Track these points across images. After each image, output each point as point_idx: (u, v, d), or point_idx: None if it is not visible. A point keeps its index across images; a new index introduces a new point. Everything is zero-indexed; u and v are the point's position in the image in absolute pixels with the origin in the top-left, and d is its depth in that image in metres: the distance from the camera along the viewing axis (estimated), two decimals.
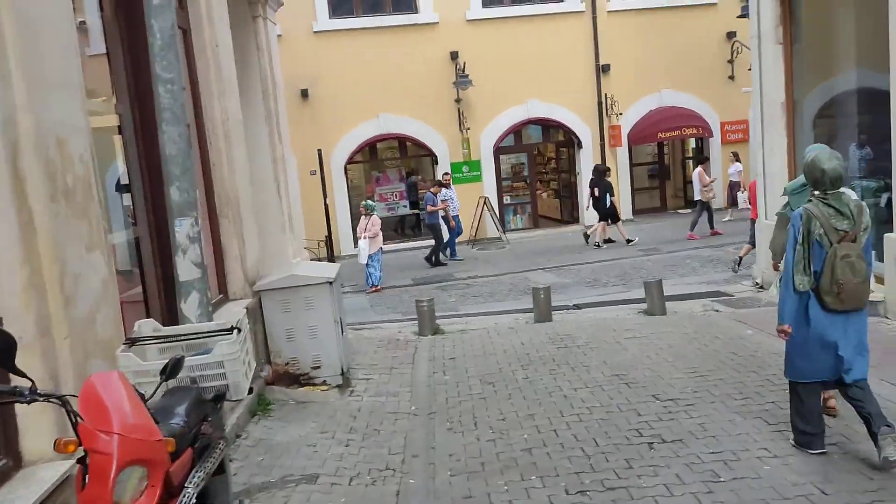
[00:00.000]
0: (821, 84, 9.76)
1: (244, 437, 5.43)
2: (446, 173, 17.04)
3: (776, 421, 5.08)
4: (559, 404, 5.96)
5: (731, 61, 19.19)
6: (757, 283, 10.37)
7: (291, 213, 10.26)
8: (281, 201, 9.58)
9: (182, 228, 4.61)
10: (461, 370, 7.36)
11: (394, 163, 19.05)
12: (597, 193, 16.03)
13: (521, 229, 19.30)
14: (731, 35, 18.90)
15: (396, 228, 19.21)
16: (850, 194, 4.35)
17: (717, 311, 9.31)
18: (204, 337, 3.88)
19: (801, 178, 4.84)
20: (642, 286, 10.12)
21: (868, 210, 4.35)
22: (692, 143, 20.77)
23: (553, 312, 9.56)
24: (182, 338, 3.91)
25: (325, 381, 6.88)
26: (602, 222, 16.10)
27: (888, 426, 4.14)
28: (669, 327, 8.30)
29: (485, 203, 17.58)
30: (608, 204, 15.93)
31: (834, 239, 4.17)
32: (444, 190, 15.69)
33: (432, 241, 15.73)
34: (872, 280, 7.82)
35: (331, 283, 6.90)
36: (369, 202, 13.56)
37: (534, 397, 6.22)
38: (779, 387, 5.60)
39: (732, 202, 17.96)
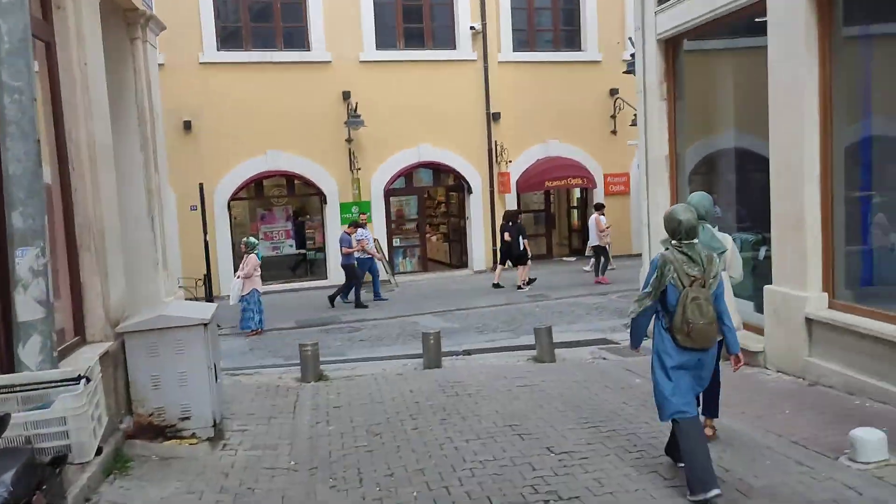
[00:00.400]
0: (700, 140, 10.18)
1: (94, 503, 4.74)
2: (362, 213, 16.72)
3: (671, 475, 4.97)
4: (451, 458, 5.64)
5: (613, 116, 19.99)
6: None
7: (167, 249, 9.51)
8: (155, 236, 8.86)
9: (24, 260, 3.98)
10: (346, 420, 6.90)
11: (281, 201, 18.42)
12: (507, 237, 16.09)
13: (411, 272, 19.06)
14: (613, 91, 19.73)
15: (282, 268, 18.47)
16: (701, 248, 4.68)
17: (604, 359, 9.34)
18: (44, 388, 3.30)
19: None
20: (531, 332, 10.08)
21: (717, 260, 4.76)
22: (577, 192, 21.37)
23: (443, 358, 9.29)
24: (17, 389, 3.31)
25: (194, 433, 6.23)
26: (500, 265, 16.35)
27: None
28: (560, 375, 8.20)
29: (375, 244, 17.23)
30: (521, 246, 15.99)
31: (686, 282, 4.55)
32: (359, 230, 15.23)
33: (320, 282, 15.24)
34: (751, 332, 8.12)
35: (205, 324, 6.31)
36: (251, 239, 12.92)
37: (424, 450, 5.86)
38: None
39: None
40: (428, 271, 19.24)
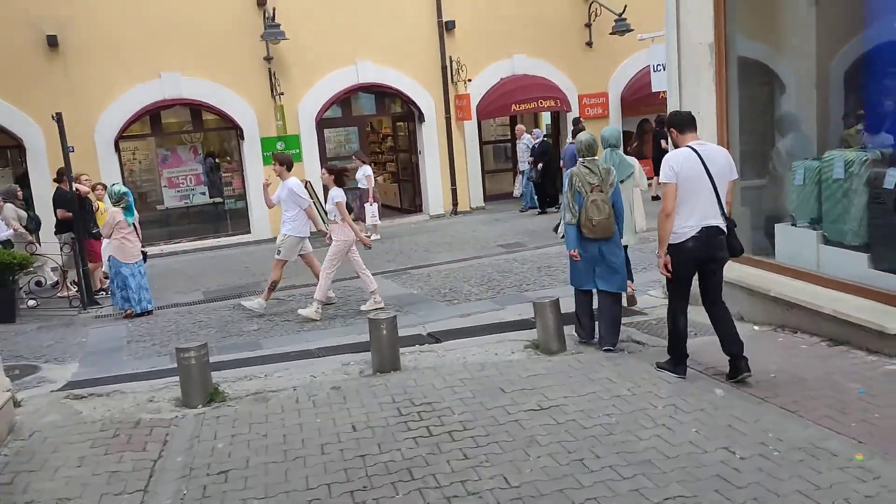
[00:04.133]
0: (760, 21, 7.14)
1: None
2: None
3: None
4: None
5: (588, 25, 16.77)
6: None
7: None
8: None
9: None
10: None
11: (186, 138, 14.77)
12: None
13: (355, 220, 15.73)
14: None
15: (194, 222, 14.96)
16: (601, 163, 6.05)
17: (637, 342, 6.39)
18: None
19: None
20: (518, 299, 7.82)
21: (614, 172, 6.07)
22: (546, 117, 18.23)
23: (402, 350, 6.24)
24: None
25: None
26: None
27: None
28: (586, 381, 5.23)
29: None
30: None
31: (587, 189, 5.89)
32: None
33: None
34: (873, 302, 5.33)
35: None
36: (115, 187, 9.43)
37: None
38: None
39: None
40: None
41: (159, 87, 13.59)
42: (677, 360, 5.29)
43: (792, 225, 6.71)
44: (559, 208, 13.86)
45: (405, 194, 17.05)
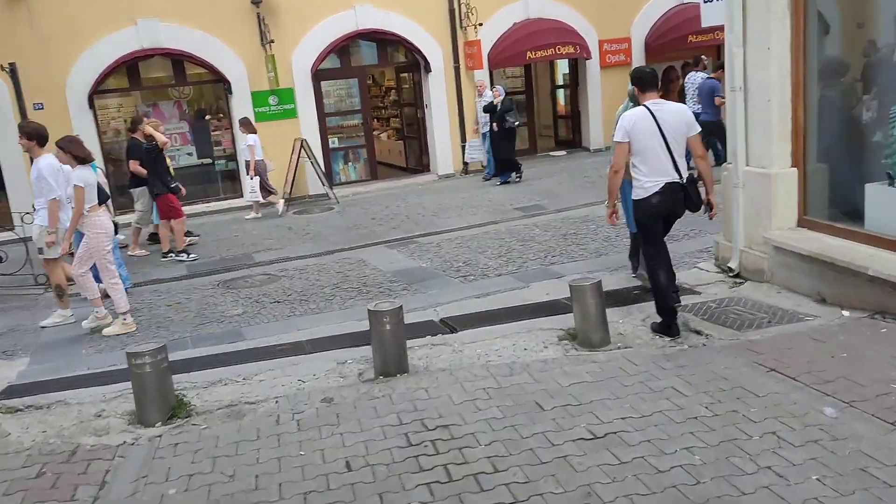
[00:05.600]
0: None
1: None
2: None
3: None
4: None
5: None
6: (729, 268, 6.41)
7: None
8: None
9: None
10: None
11: (171, 92, 13.42)
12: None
13: (354, 182, 14.51)
14: None
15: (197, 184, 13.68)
16: None
17: (698, 332, 5.20)
18: None
19: None
20: (543, 276, 6.91)
21: None
22: (561, 66, 16.77)
23: (409, 343, 5.08)
24: None
25: None
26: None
27: None
28: (651, 396, 4.05)
29: (301, 147, 12.61)
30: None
31: None
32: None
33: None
34: None
35: None
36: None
37: None
38: None
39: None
40: (378, 179, 14.69)
41: (136, 35, 12.22)
42: (667, 318, 5.23)
43: (889, 185, 5.44)
44: (518, 175, 12.72)
45: (411, 152, 15.73)
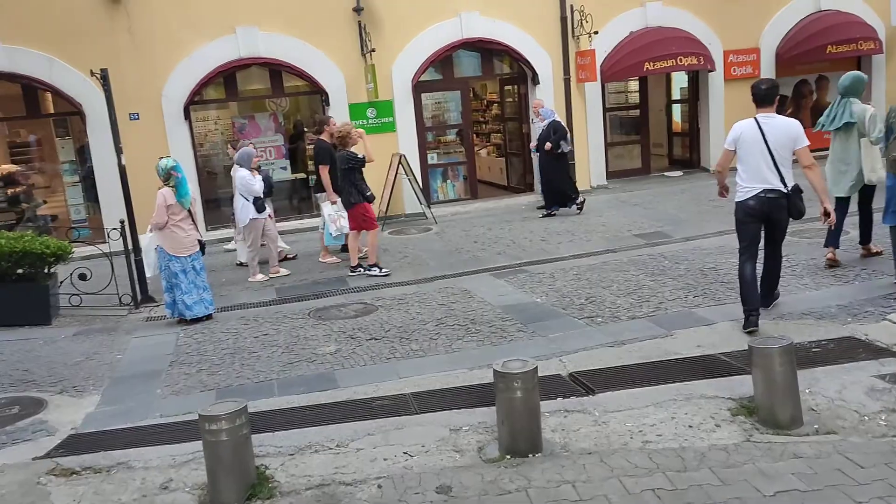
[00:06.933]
0: None
1: None
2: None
3: None
4: None
5: None
6: None
7: None
8: None
9: None
10: None
11: (268, 104, 12.89)
12: None
13: (453, 201, 13.61)
14: None
15: (273, 202, 13.14)
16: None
17: None
18: None
19: None
20: (688, 321, 5.87)
21: None
22: (679, 77, 15.41)
23: (542, 413, 4.04)
24: None
25: None
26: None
27: None
28: None
29: (400, 163, 11.80)
30: None
31: None
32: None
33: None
34: None
35: None
36: (165, 161, 7.48)
37: None
38: None
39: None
40: (478, 198, 13.72)
41: (234, 43, 11.73)
42: (747, 312, 5.66)
43: None
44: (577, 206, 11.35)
45: (513, 170, 14.69)
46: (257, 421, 4.62)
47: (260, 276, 9.07)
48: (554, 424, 4.22)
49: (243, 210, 9.03)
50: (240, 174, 9.06)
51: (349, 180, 8.61)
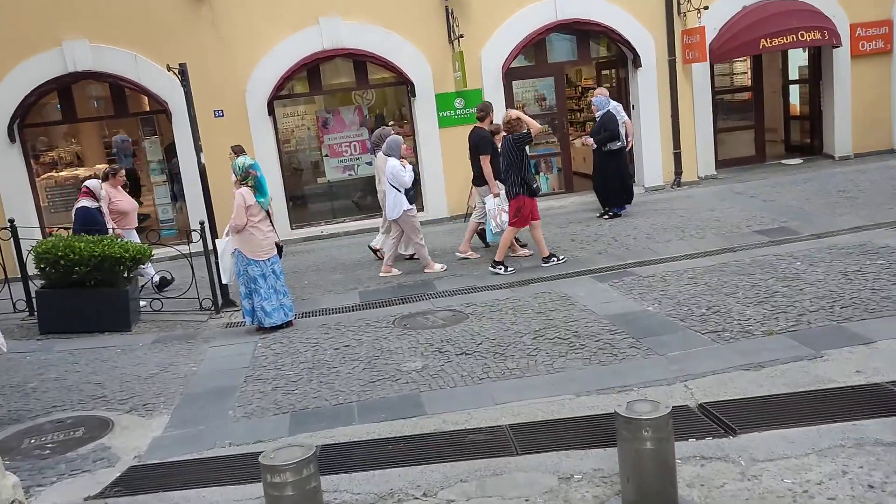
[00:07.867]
0: None
1: None
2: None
3: None
4: None
5: None
6: None
7: None
8: None
9: None
10: None
11: (354, 97, 12.43)
12: None
13: (548, 195, 12.75)
14: None
15: (358, 199, 12.71)
16: None
17: None
18: None
19: None
20: (841, 339, 4.80)
21: None
22: (795, 56, 13.98)
23: (678, 467, 3.22)
24: None
25: None
26: None
27: None
28: None
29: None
30: None
31: None
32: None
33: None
34: None
35: None
36: (242, 159, 6.99)
37: None
38: None
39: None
40: (574, 192, 12.84)
41: (317, 34, 11.29)
42: None
43: None
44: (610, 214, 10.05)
45: None
46: (330, 454, 4.03)
47: (438, 267, 8.60)
48: (689, 476, 3.42)
49: (396, 202, 8.44)
50: (390, 164, 8.37)
51: (516, 168, 7.96)
